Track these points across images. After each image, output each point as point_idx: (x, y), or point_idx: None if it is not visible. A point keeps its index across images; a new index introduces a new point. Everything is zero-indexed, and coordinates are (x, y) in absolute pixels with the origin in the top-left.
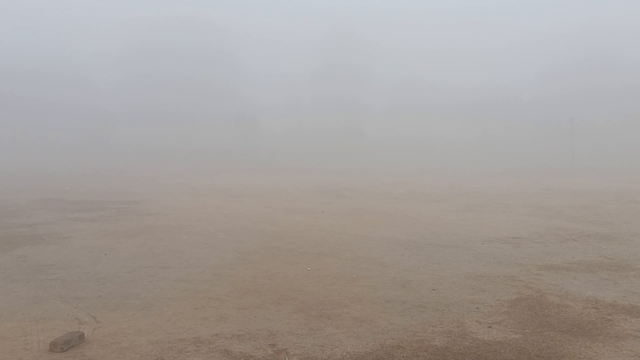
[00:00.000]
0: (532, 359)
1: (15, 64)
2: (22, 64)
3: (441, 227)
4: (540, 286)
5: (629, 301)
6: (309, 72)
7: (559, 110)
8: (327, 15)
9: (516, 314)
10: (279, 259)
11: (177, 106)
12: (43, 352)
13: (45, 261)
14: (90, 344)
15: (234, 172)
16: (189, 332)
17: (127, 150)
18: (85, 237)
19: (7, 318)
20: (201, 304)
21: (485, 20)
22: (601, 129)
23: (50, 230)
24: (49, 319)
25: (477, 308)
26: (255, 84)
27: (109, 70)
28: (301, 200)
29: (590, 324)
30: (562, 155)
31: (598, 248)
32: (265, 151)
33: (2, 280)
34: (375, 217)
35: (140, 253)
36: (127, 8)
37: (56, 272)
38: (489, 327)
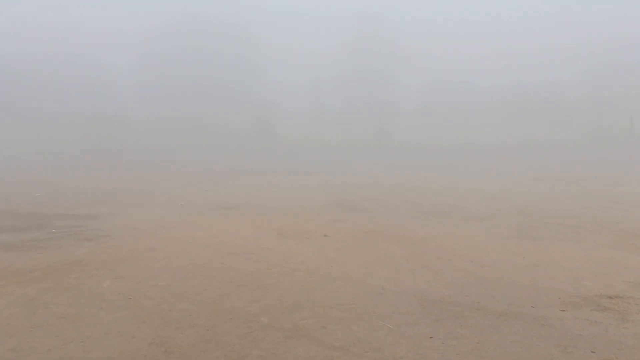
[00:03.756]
0: None
1: (33, 71)
2: (42, 72)
3: (490, 271)
4: None
5: None
6: (335, 76)
7: (610, 111)
8: (354, 19)
9: None
10: (220, 346)
11: (196, 111)
12: None
13: None
14: None
15: (242, 175)
16: None
17: (142, 152)
18: None
19: None
20: None
21: (529, 23)
22: None
23: None
24: None
25: None
26: (278, 89)
27: (128, 77)
28: (304, 216)
29: None
30: (616, 160)
31: None
32: (285, 155)
33: None
34: (394, 247)
35: (4, 324)
36: (144, 15)
37: None
38: None
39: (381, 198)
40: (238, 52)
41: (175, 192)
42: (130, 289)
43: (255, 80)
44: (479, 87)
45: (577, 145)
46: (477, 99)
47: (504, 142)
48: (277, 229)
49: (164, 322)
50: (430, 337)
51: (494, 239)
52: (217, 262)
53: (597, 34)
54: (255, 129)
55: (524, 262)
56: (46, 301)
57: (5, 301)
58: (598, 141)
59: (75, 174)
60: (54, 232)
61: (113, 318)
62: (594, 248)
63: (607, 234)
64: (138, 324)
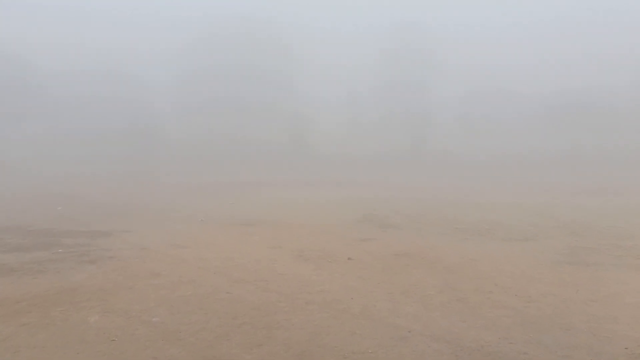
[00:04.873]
0: None
1: (69, 86)
2: (78, 87)
3: (538, 308)
4: None
5: None
6: (371, 87)
7: None
8: (390, 30)
9: None
10: None
11: (230, 124)
12: None
13: None
14: None
15: (272, 187)
16: None
17: (174, 164)
18: None
19: None
20: None
21: (571, 26)
22: None
23: None
24: None
25: None
26: (313, 101)
27: (163, 91)
28: (329, 234)
29: None
30: None
31: None
32: (318, 167)
33: None
34: (425, 274)
35: None
36: (178, 29)
37: None
38: None
39: (415, 213)
40: (272, 65)
41: (199, 206)
42: (118, 326)
43: (290, 92)
44: (520, 94)
45: (628, 154)
46: (518, 106)
47: (548, 151)
48: (298, 249)
49: None
50: None
51: (541, 264)
52: (223, 291)
53: None
54: (289, 141)
55: (578, 295)
56: (19, 343)
57: None
58: None
59: (104, 187)
60: (60, 252)
61: None
62: None
63: None
64: None
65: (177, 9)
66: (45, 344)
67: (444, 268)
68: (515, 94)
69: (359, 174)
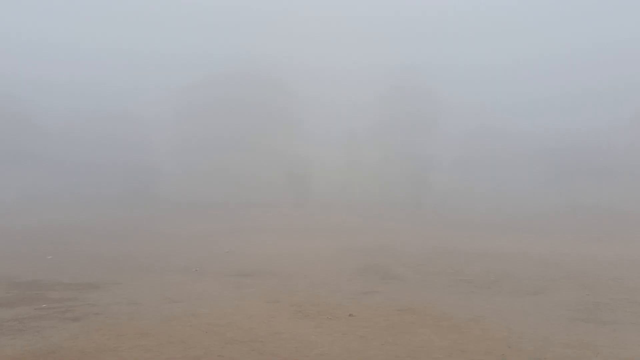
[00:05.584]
0: None
1: (70, 125)
2: (79, 126)
3: None
4: None
5: None
6: (371, 127)
7: None
8: (390, 69)
9: None
10: None
11: (228, 164)
12: None
13: None
14: None
15: (269, 232)
16: None
17: (172, 207)
18: None
19: None
20: None
21: (572, 65)
22: None
23: None
24: None
25: None
26: (313, 141)
27: (162, 130)
28: (329, 286)
29: None
30: None
31: None
32: (317, 210)
33: None
34: (432, 334)
35: None
36: (178, 68)
37: None
38: None
39: (417, 262)
40: (273, 105)
41: (194, 253)
42: None
43: (289, 132)
44: (520, 134)
45: (629, 198)
46: (519, 147)
47: (549, 194)
48: (297, 304)
49: None
50: None
51: (555, 322)
52: (214, 354)
53: None
54: (288, 183)
55: None
56: None
57: None
58: None
59: (98, 232)
60: (44, 307)
61: None
62: None
63: None
64: None
65: (177, 49)
66: None
67: (452, 326)
68: (515, 134)
69: (359, 219)
